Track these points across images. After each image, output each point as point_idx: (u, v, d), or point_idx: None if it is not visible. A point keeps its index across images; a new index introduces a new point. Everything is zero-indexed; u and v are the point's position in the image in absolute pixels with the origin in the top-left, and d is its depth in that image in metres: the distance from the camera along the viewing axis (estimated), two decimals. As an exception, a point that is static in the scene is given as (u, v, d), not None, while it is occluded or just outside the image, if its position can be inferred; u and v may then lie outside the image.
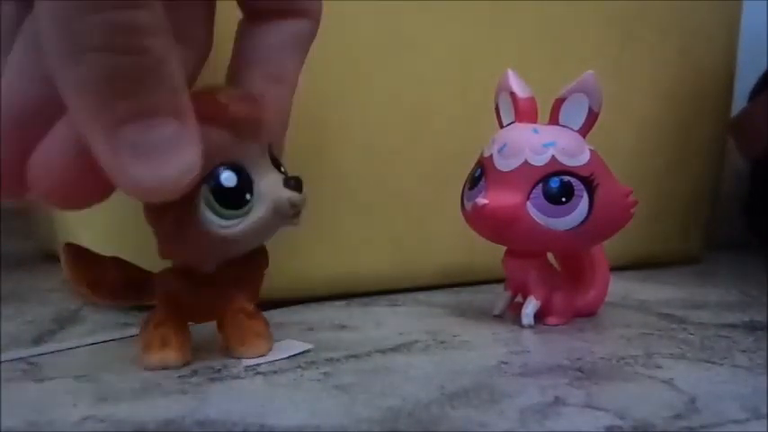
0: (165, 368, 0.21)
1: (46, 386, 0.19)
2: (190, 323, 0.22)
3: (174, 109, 0.17)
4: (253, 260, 0.22)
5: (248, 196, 0.20)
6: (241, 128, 0.19)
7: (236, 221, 0.19)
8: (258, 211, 0.20)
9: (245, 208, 0.19)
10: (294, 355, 0.22)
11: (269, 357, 0.22)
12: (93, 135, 0.16)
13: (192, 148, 0.17)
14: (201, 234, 0.19)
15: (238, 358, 0.22)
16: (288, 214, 0.20)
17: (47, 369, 0.21)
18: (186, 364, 0.21)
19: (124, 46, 0.16)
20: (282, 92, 0.22)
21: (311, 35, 0.23)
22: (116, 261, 0.21)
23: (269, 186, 0.20)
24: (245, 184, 0.19)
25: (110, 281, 0.21)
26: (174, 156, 0.17)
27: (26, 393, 0.19)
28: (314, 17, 0.23)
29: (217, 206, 0.19)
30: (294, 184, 0.20)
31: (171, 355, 0.21)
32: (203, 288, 0.21)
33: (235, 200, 0.19)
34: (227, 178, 0.19)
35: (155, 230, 0.21)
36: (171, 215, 0.19)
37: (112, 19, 0.15)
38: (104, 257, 0.21)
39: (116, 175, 0.16)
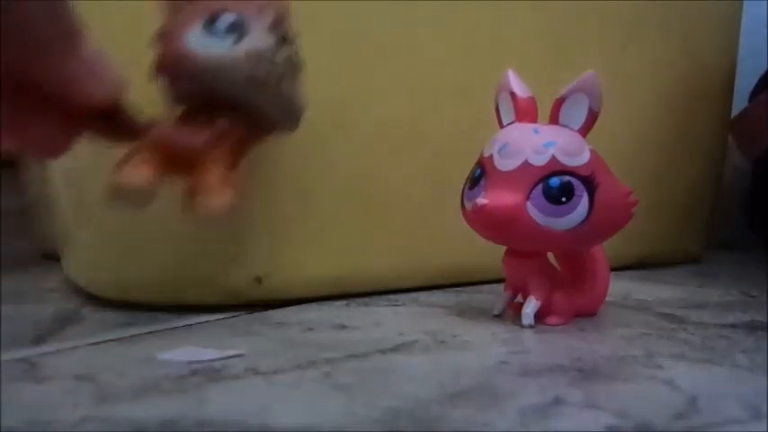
0: (131, 187, 0.21)
1: (46, 386, 0.19)
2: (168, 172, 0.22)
3: None
4: (239, 131, 0.23)
5: (236, 34, 0.22)
6: None
7: (222, 44, 0.22)
8: (238, 50, 0.22)
9: (233, 37, 0.22)
10: (227, 357, 0.22)
11: (197, 356, 0.22)
12: None
13: None
14: (184, 54, 0.22)
15: (203, 212, 0.22)
16: (266, 52, 0.22)
17: (47, 369, 0.21)
18: (150, 194, 0.21)
19: None
20: None
21: None
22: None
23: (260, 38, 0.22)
24: (239, 25, 0.22)
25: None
26: None
27: (26, 393, 0.19)
28: None
29: (213, 31, 0.22)
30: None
31: (141, 175, 0.21)
32: (193, 130, 0.22)
33: (228, 27, 0.22)
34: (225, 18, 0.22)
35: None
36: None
37: None
38: None
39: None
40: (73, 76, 0.20)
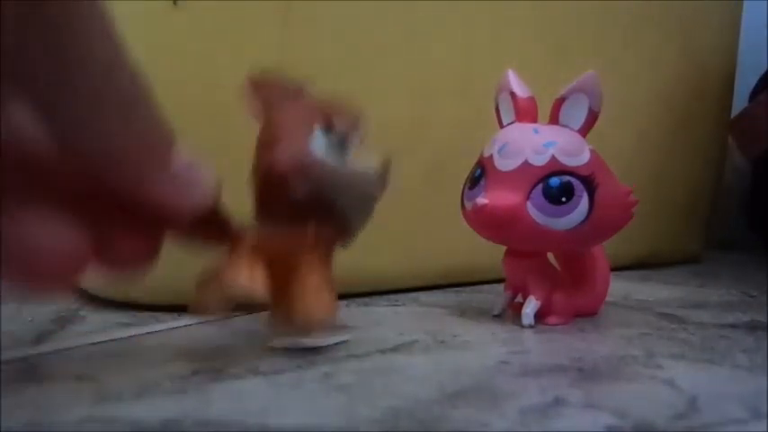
0: (248, 296, 0.20)
1: (46, 386, 0.19)
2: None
3: None
4: (330, 238, 0.23)
5: (348, 152, 0.23)
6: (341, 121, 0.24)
7: (336, 156, 0.22)
8: (354, 165, 0.23)
9: (347, 156, 0.23)
10: (333, 344, 0.23)
11: (306, 344, 0.23)
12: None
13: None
14: (309, 159, 0.22)
15: (301, 322, 0.21)
16: (371, 177, 0.23)
17: (47, 369, 0.21)
18: (258, 305, 0.21)
19: None
20: None
21: None
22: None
23: (362, 161, 0.23)
24: (346, 139, 0.23)
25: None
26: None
27: (26, 393, 0.19)
28: None
29: (328, 139, 0.22)
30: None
31: (258, 286, 0.20)
32: (287, 240, 0.22)
33: (341, 143, 0.23)
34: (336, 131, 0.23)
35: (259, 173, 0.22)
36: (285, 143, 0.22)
37: None
38: None
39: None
40: (159, 191, 0.18)
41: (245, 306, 0.21)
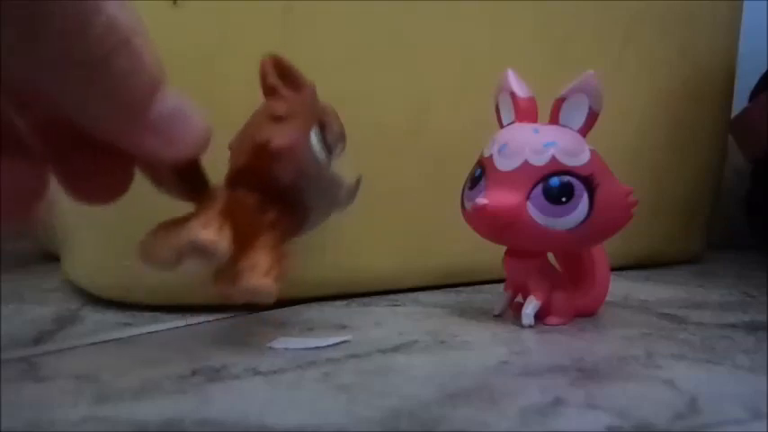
0: (203, 247, 0.20)
1: (46, 386, 0.19)
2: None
3: None
4: (289, 226, 0.24)
5: (332, 158, 0.24)
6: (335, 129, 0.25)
7: (324, 156, 0.24)
8: (332, 171, 0.24)
9: (330, 157, 0.24)
10: (333, 345, 0.24)
11: (306, 344, 0.23)
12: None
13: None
14: (305, 148, 0.23)
15: (244, 287, 0.21)
16: (344, 190, 0.25)
17: (47, 369, 0.21)
18: (217, 253, 0.20)
19: None
20: None
21: None
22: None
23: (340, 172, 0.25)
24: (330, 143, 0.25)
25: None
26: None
27: (26, 393, 0.19)
28: None
29: (320, 138, 0.24)
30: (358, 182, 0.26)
31: (224, 244, 0.20)
32: (253, 212, 0.22)
33: (328, 148, 0.24)
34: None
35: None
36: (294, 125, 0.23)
37: None
38: None
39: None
40: (137, 140, 0.18)
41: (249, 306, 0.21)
